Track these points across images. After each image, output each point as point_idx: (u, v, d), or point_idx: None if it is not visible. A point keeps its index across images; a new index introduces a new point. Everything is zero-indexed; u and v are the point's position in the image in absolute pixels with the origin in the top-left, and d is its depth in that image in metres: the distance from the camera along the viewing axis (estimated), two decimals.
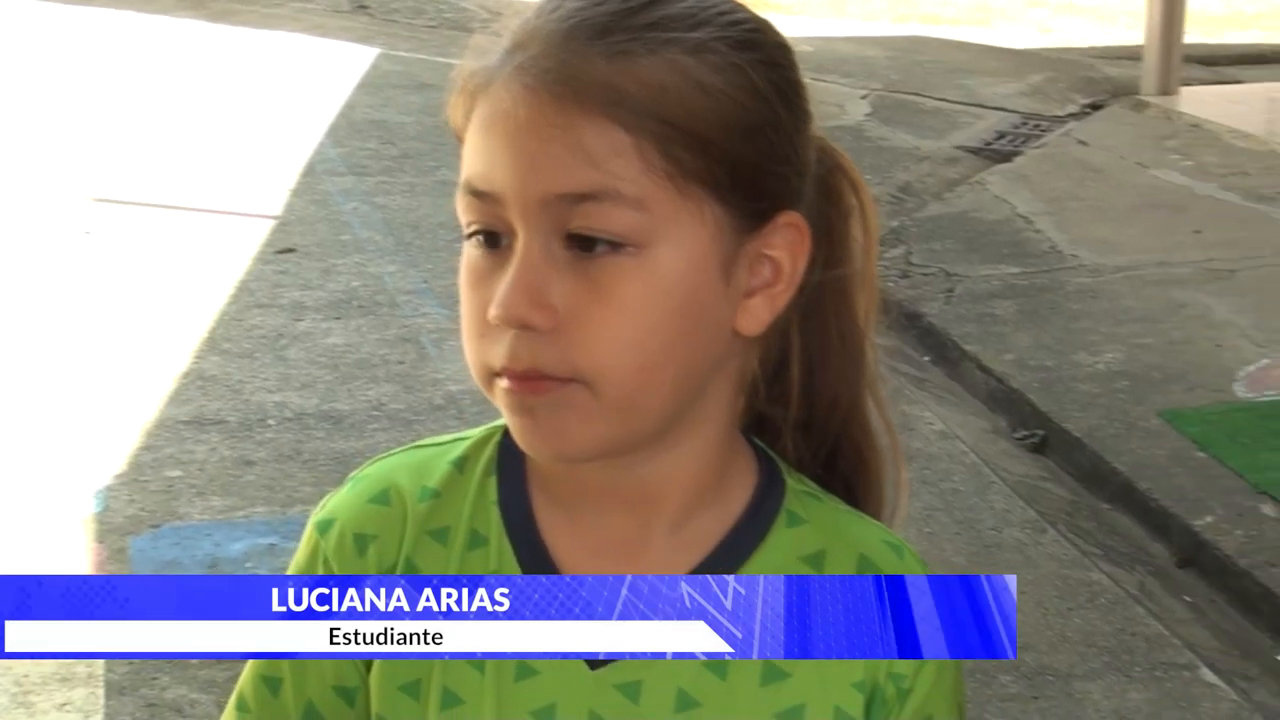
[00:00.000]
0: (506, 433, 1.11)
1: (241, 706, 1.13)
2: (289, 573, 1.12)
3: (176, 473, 4.52)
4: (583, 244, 0.97)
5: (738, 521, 1.09)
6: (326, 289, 6.04)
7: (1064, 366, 5.30)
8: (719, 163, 0.98)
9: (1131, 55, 10.20)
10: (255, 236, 6.61)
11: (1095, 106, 9.38)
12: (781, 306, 1.05)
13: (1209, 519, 4.30)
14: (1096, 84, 9.90)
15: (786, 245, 1.03)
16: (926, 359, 5.60)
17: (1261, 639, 3.93)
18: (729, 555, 1.07)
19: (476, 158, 1.00)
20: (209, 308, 5.79)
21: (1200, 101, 9.17)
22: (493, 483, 1.11)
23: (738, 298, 1.03)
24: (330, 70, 9.55)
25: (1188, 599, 4.10)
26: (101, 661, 3.44)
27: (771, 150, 1.01)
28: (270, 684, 1.11)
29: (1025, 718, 3.48)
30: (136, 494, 4.39)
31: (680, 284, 0.98)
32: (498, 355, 0.99)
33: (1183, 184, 7.59)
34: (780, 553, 1.08)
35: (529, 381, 0.98)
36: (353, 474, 1.16)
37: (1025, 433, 4.99)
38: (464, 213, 1.01)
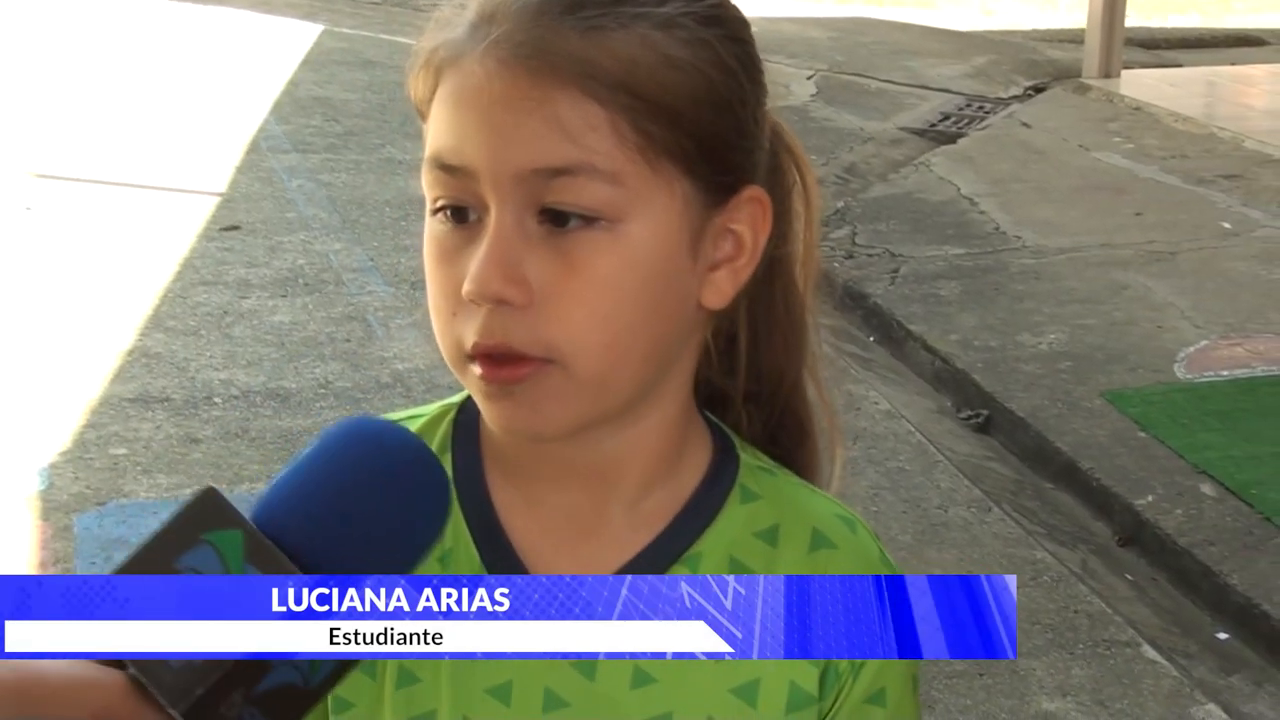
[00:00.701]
0: (461, 409, 1.11)
1: None
2: None
3: (121, 450, 4.49)
4: (556, 218, 0.96)
5: (692, 497, 1.09)
6: (272, 266, 6.01)
7: (1008, 347, 5.35)
8: (689, 136, 0.98)
9: (1073, 38, 10.28)
10: (199, 213, 6.56)
11: (1038, 89, 9.45)
12: (744, 280, 1.05)
13: (1150, 498, 4.35)
14: (1039, 66, 9.97)
15: (749, 219, 1.04)
16: (872, 339, 5.64)
17: (1201, 617, 3.98)
18: (683, 531, 1.08)
19: (445, 132, 0.98)
20: (153, 285, 5.75)
21: (1141, 84, 9.25)
22: (447, 460, 1.10)
23: (703, 271, 1.03)
24: (274, 46, 9.49)
25: (1129, 577, 4.15)
26: None
27: (738, 124, 1.02)
28: None
29: (971, 694, 3.52)
30: (81, 471, 4.36)
31: (651, 258, 0.98)
32: (470, 332, 0.98)
33: (1124, 166, 7.66)
34: (734, 528, 1.09)
35: (504, 368, 0.97)
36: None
37: (970, 412, 5.03)
38: (431, 187, 1.00)
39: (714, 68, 1.00)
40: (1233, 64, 10.41)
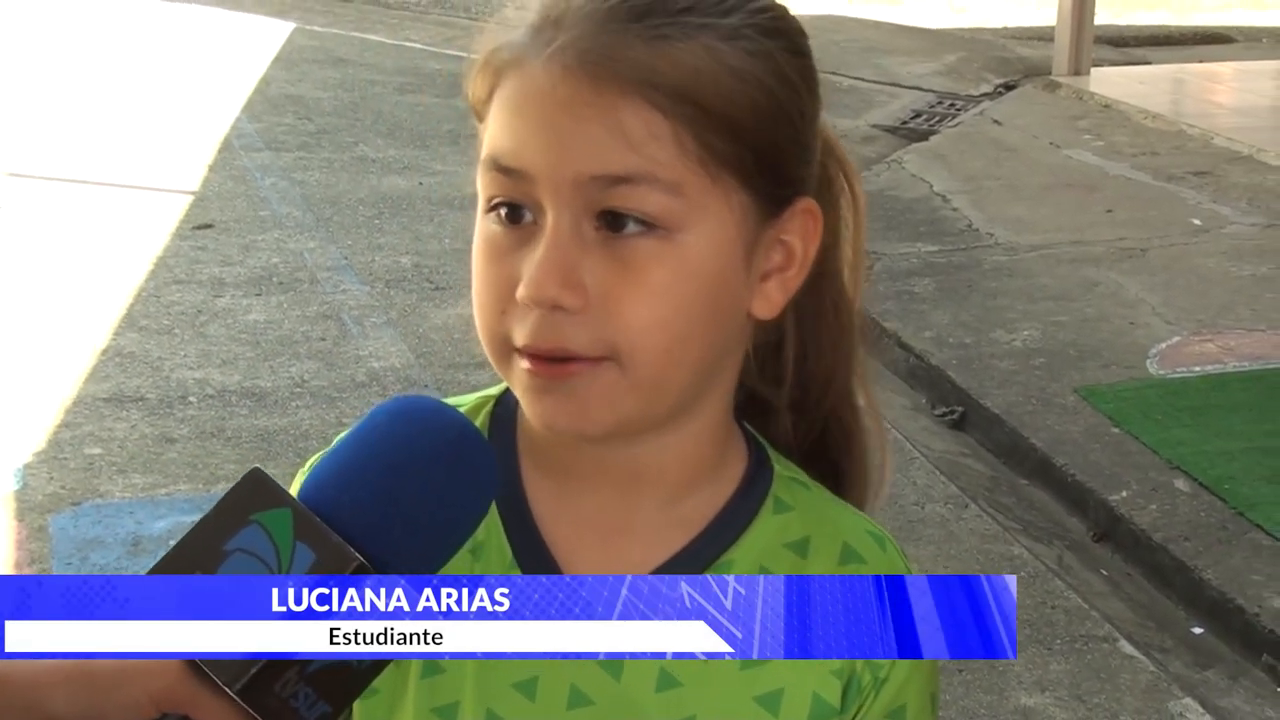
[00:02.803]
0: (499, 403, 1.11)
1: None
2: None
3: (96, 450, 4.47)
4: (612, 223, 0.96)
5: (726, 505, 1.09)
6: (246, 265, 5.99)
7: (982, 344, 5.37)
8: (749, 149, 0.98)
9: (1043, 35, 10.33)
10: (172, 212, 6.54)
11: (1009, 86, 9.49)
12: (794, 290, 1.05)
13: (1124, 494, 4.38)
14: (1010, 64, 10.01)
15: (800, 230, 1.04)
16: (858, 339, 5.64)
17: (1176, 612, 4.01)
18: (716, 538, 1.08)
19: (505, 135, 0.98)
20: (126, 284, 5.73)
21: (1110, 82, 9.30)
22: None
23: (755, 282, 1.03)
24: (245, 44, 9.46)
25: (1104, 573, 4.17)
26: None
27: (796, 137, 1.02)
28: None
29: (950, 690, 3.53)
30: (56, 471, 4.34)
31: (707, 268, 0.98)
32: (520, 333, 0.98)
33: (1095, 164, 7.70)
34: (766, 538, 1.09)
35: (556, 364, 0.98)
36: (342, 435, 1.15)
37: (945, 409, 5.05)
38: (487, 187, 1.00)
39: (776, 80, 1.00)
40: (1201, 61, 10.47)
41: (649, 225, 0.96)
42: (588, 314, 0.96)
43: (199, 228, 6.38)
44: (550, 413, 1.00)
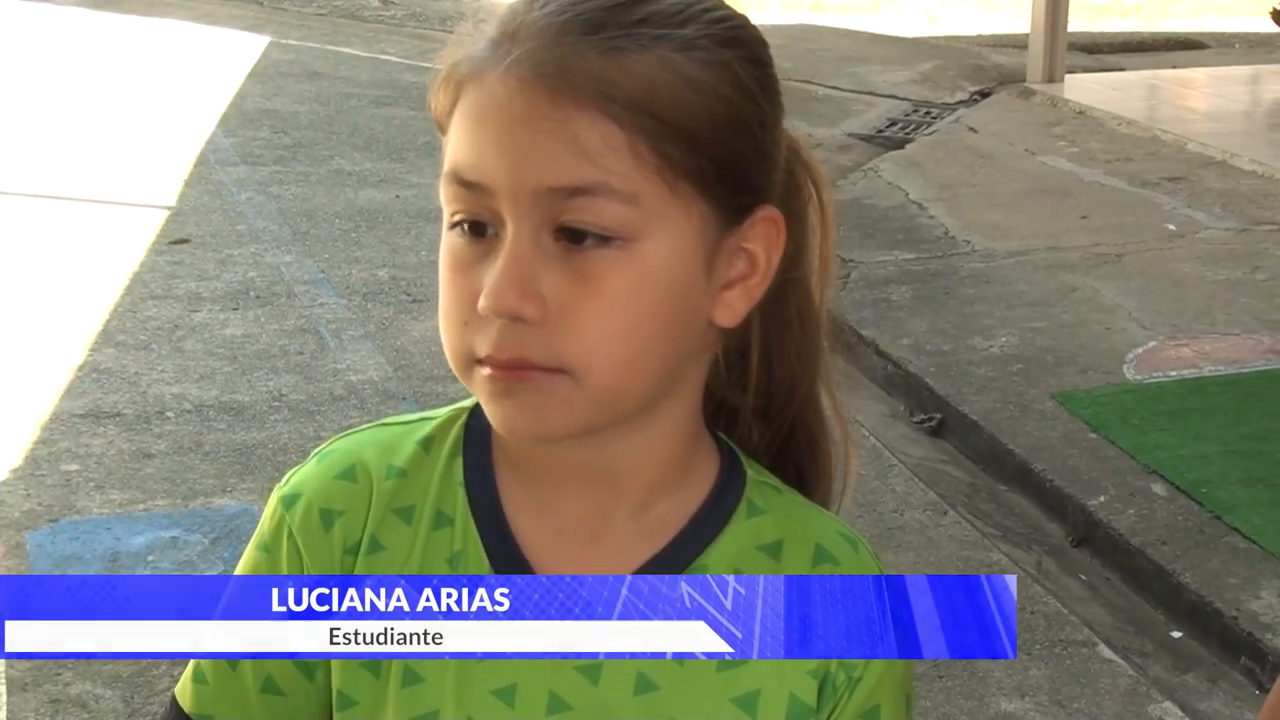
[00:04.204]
0: (472, 414, 1.12)
1: (199, 679, 1.11)
2: (250, 546, 1.11)
3: (73, 466, 4.46)
4: (572, 236, 0.97)
5: (700, 509, 1.10)
6: (223, 280, 5.98)
7: (960, 350, 5.38)
8: (708, 159, 0.99)
9: (1017, 43, 10.36)
10: (148, 227, 6.52)
11: (983, 94, 9.52)
12: (757, 298, 1.07)
13: (1102, 499, 4.39)
14: (984, 71, 10.04)
15: (763, 239, 1.05)
16: (824, 344, 5.65)
17: (1155, 616, 4.02)
18: (691, 542, 1.09)
19: (465, 148, 1.00)
20: (102, 300, 5.71)
21: (1084, 89, 9.33)
22: (459, 464, 1.12)
23: (716, 290, 1.04)
24: (220, 59, 9.44)
25: (1083, 577, 4.18)
26: (2, 660, 3.39)
27: (756, 146, 1.03)
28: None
29: (930, 696, 3.53)
30: (33, 488, 4.32)
31: (667, 278, 1.00)
32: (482, 344, 0.99)
33: (1069, 170, 7.73)
34: (739, 542, 1.10)
35: (514, 370, 0.99)
36: (318, 450, 1.15)
37: (923, 416, 5.06)
38: (449, 202, 1.01)
39: (733, 90, 1.01)
40: (1174, 67, 10.50)
41: (607, 237, 0.98)
42: (547, 325, 0.98)
43: (175, 243, 6.36)
44: (510, 417, 1.01)
